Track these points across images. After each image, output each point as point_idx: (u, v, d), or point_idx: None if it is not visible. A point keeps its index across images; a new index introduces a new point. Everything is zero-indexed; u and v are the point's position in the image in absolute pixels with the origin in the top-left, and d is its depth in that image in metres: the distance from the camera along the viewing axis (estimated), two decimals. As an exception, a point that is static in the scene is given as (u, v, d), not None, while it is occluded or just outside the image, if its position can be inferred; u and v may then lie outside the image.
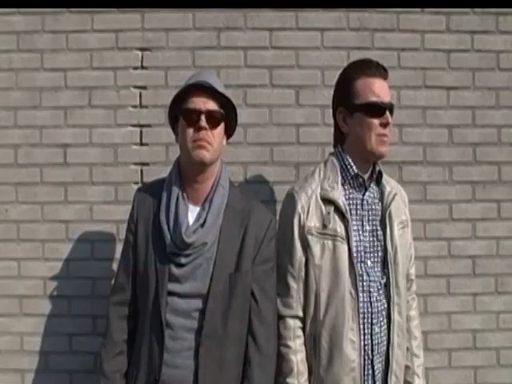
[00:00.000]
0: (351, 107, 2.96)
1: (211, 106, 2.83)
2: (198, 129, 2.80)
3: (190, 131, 2.82)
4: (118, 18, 3.73)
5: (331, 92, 3.12)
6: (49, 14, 3.72)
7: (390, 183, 3.15)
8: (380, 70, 2.97)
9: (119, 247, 3.23)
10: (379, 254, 3.00)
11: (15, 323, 3.71)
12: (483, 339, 3.76)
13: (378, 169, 3.08)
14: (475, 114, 3.79)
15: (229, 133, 3.00)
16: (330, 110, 3.11)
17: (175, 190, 2.89)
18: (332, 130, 3.15)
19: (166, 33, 3.73)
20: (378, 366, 2.94)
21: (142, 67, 3.73)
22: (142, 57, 3.73)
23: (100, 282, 3.67)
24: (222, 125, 2.90)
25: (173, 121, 2.96)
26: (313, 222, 2.94)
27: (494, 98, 3.80)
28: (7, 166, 3.74)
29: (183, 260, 2.82)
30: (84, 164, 3.72)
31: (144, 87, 3.73)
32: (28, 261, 3.72)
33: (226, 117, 2.90)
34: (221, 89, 2.87)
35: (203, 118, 2.79)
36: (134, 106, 3.73)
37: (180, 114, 2.87)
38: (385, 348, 2.96)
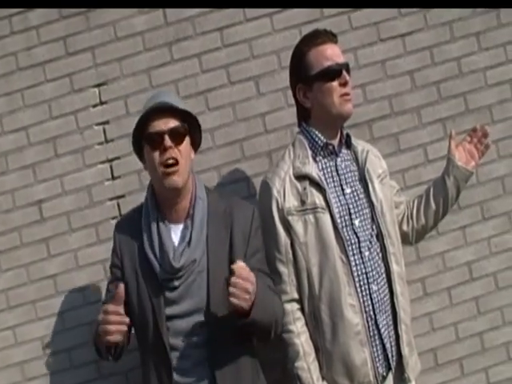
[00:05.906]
0: (309, 80, 2.96)
1: (172, 123, 2.77)
2: (164, 149, 2.74)
3: (156, 155, 2.76)
4: (68, 62, 3.63)
5: (290, 72, 3.14)
6: (0, 78, 3.64)
7: (359, 144, 3.15)
8: (328, 36, 2.99)
9: (109, 285, 3.12)
10: (365, 211, 2.99)
11: (19, 391, 3.58)
12: (479, 268, 3.77)
13: (345, 132, 3.08)
14: (433, 53, 3.75)
15: (195, 146, 2.95)
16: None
17: (154, 216, 2.84)
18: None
19: (119, 62, 3.62)
20: (384, 324, 2.94)
21: (101, 103, 3.64)
22: (100, 92, 3.64)
23: (97, 326, 3.50)
24: (188, 139, 2.84)
25: (138, 150, 2.91)
26: (291, 203, 2.92)
27: (449, 32, 3.75)
28: (-15, 239, 3.64)
29: (176, 283, 2.77)
30: (61, 214, 3.60)
31: (106, 122, 3.63)
32: (22, 326, 3.58)
33: (190, 130, 2.85)
34: (180, 105, 2.83)
35: (167, 137, 2.74)
36: (100, 143, 3.63)
37: (144, 141, 2.81)
38: (388, 303, 2.97)
